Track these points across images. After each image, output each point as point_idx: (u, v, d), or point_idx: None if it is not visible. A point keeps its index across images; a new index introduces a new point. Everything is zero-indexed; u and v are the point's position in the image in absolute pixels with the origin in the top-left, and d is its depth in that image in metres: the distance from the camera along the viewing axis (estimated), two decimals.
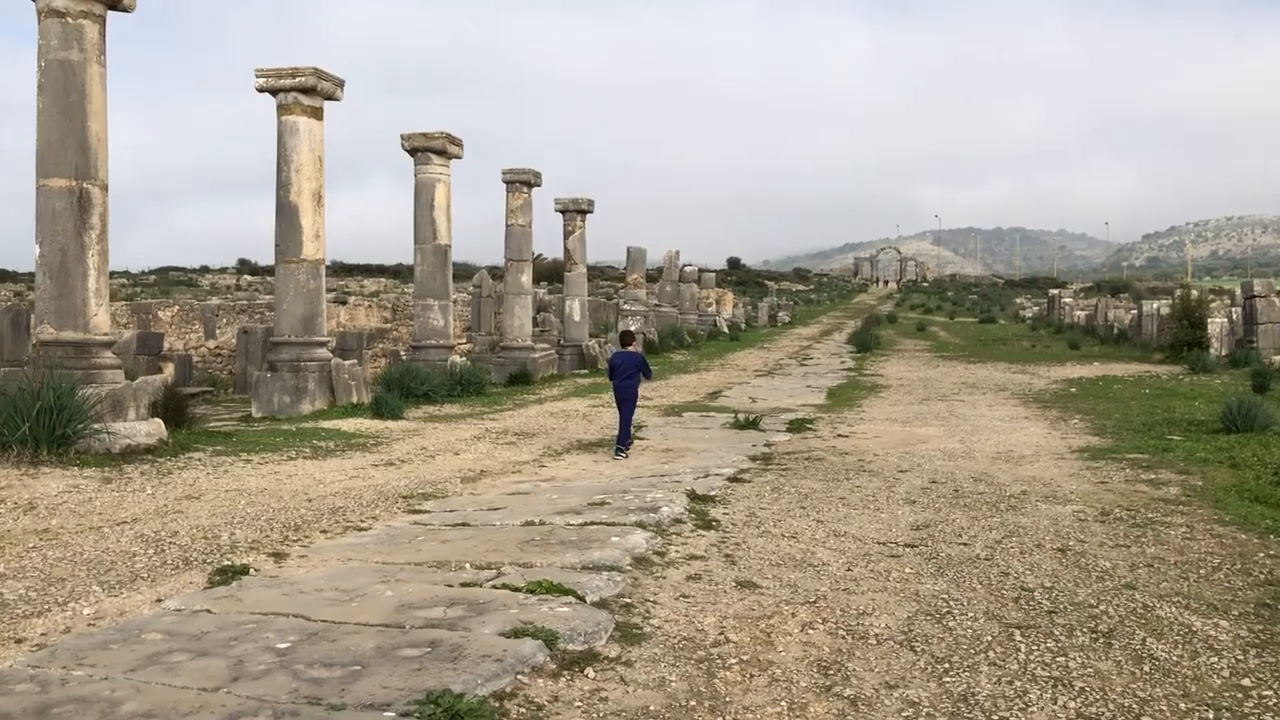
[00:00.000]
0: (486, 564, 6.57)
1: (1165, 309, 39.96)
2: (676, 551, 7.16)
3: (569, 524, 7.79)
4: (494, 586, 5.93)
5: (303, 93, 17.99)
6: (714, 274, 59.81)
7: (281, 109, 18.11)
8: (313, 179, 18.19)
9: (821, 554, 7.27)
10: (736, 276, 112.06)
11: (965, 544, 7.67)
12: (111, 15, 13.64)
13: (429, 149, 22.95)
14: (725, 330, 51.07)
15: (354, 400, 18.08)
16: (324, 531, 7.84)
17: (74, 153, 13.06)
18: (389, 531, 7.80)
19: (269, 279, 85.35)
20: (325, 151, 18.51)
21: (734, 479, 10.55)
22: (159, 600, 5.84)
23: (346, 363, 18.75)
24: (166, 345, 27.36)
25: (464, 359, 23.46)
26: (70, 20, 13.00)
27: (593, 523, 7.79)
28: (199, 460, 11.58)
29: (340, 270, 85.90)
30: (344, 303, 49.24)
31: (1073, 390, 23.55)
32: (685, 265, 52.47)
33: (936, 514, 8.85)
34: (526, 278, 28.35)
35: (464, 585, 5.95)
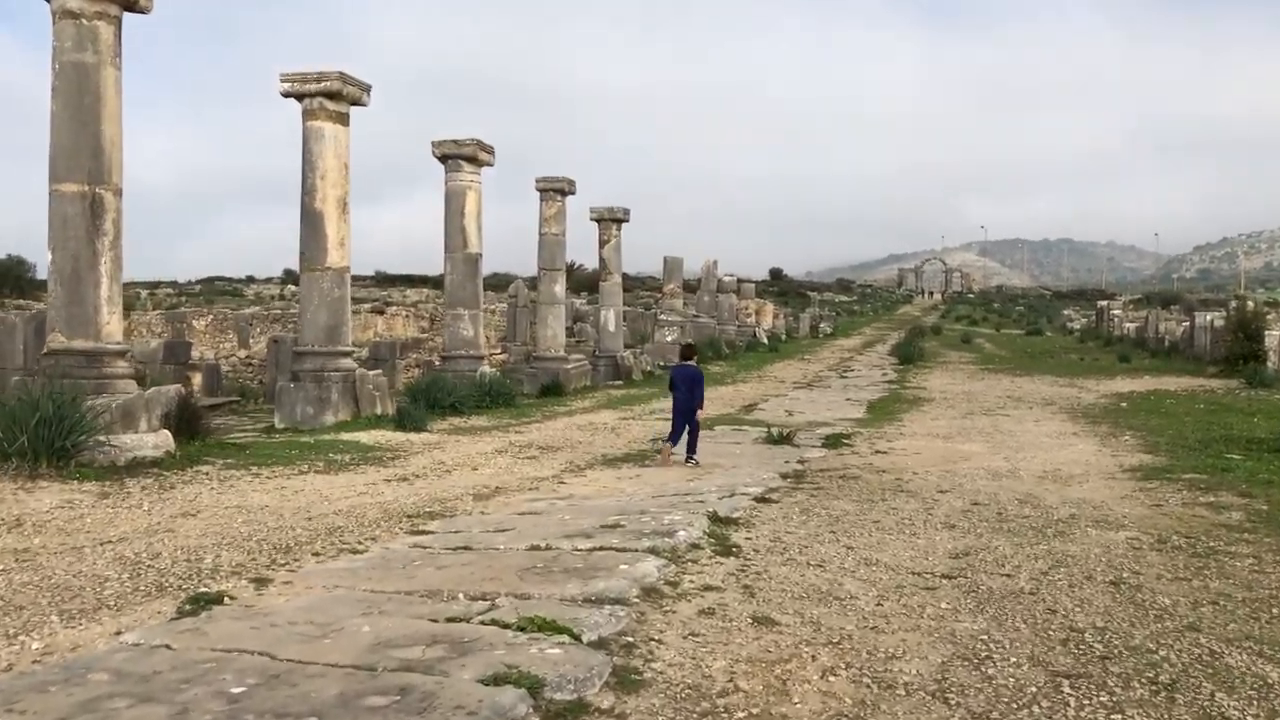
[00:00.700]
0: (480, 594, 6.03)
1: (1219, 321, 38.72)
2: (690, 581, 6.58)
3: (577, 549, 7.23)
4: (482, 622, 5.38)
5: (328, 97, 17.65)
6: (754, 284, 59.19)
7: (307, 114, 17.78)
8: (338, 186, 17.83)
9: (850, 585, 6.66)
10: (778, 287, 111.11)
11: (1008, 575, 7.01)
12: (130, 18, 13.36)
13: (459, 156, 22.56)
14: (764, 341, 50.35)
15: (378, 411, 17.66)
16: (316, 554, 7.35)
17: (87, 157, 12.75)
18: (385, 555, 7.29)
19: None
20: (351, 158, 18.15)
21: (761, 499, 9.95)
22: (118, 633, 5.36)
23: (371, 373, 18.35)
24: (197, 354, 27.20)
25: (494, 370, 23.03)
26: (85, 22, 12.71)
27: (603, 548, 7.23)
28: (206, 474, 11.17)
29: (384, 280, 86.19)
30: (382, 312, 49.12)
31: (1123, 405, 22.66)
32: (724, 275, 51.87)
33: (977, 540, 8.19)
34: (560, 287, 27.90)
35: (450, 620, 5.41)
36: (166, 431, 12.07)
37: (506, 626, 5.24)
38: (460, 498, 10.04)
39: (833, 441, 15.77)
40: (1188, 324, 44.23)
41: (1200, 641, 5.56)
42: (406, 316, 48.06)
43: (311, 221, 17.78)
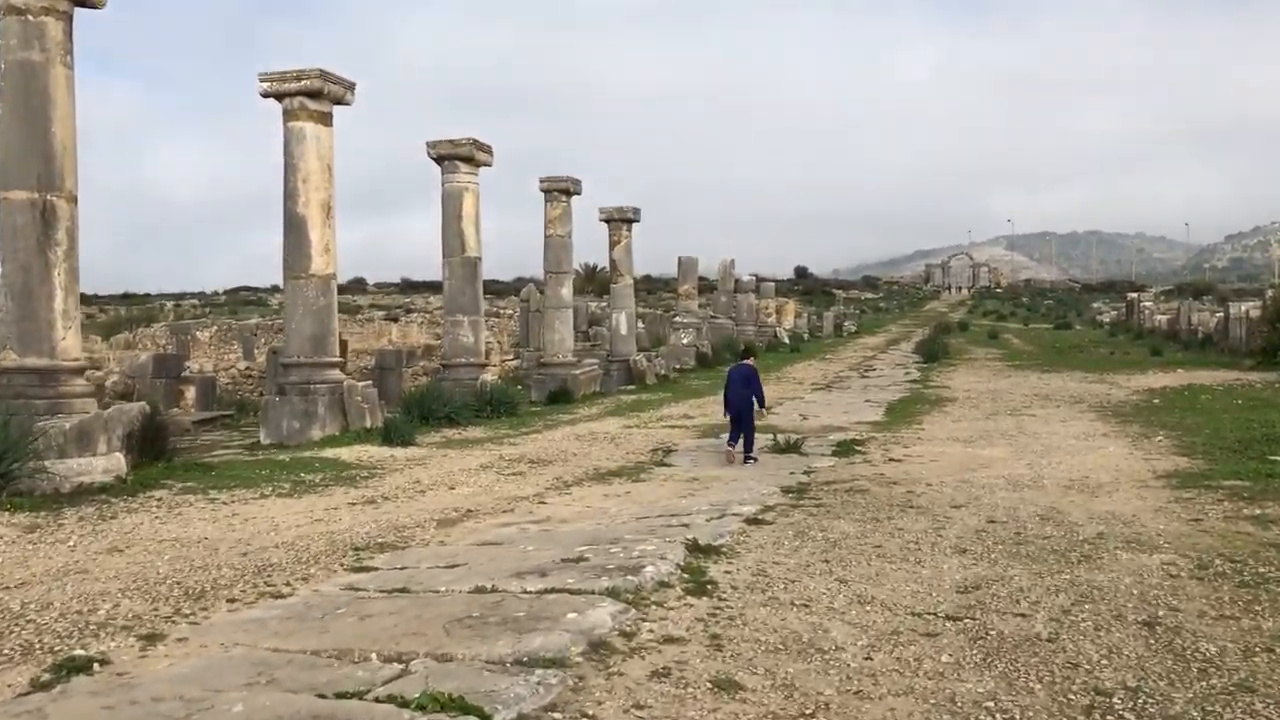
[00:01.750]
0: (396, 654, 5.14)
1: (1255, 311, 37.33)
2: (649, 632, 5.65)
3: (526, 591, 6.31)
4: (379, 698, 4.47)
5: (309, 96, 16.85)
6: (773, 283, 58.08)
7: (287, 114, 16.98)
8: (321, 189, 17.03)
9: (837, 632, 5.71)
10: (803, 286, 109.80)
11: (1023, 615, 6.04)
12: (83, 13, 12.59)
13: (456, 156, 21.73)
14: (785, 341, 49.28)
15: (368, 424, 16.82)
16: (232, 600, 6.47)
17: (37, 162, 11.98)
18: (309, 601, 6.41)
19: (339, 297, 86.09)
20: (334, 159, 17.34)
21: (754, 519, 8.99)
22: None
23: (361, 384, 17.53)
24: (197, 366, 26.52)
25: (497, 378, 22.16)
26: (31, 18, 11.94)
27: (555, 590, 6.31)
28: (157, 500, 10.34)
29: (408, 287, 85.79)
30: (396, 320, 48.53)
31: (1155, 402, 21.50)
32: (743, 275, 50.84)
33: (991, 568, 7.21)
34: (567, 290, 27.03)
35: (341, 696, 4.51)
36: (119, 454, 11.26)
37: (405, 705, 4.33)
38: (423, 524, 9.15)
39: (844, 449, 14.79)
40: (1221, 315, 42.79)
41: (1256, 708, 4.57)
42: (421, 324, 47.41)
43: (294, 227, 16.98)
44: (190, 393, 21.91)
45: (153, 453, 12.56)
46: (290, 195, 16.99)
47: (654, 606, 6.10)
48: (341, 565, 7.47)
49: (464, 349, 21.90)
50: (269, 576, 7.12)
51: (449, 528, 8.99)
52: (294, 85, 16.79)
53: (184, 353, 31.93)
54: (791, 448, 14.56)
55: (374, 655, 5.14)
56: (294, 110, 16.92)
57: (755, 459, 13.66)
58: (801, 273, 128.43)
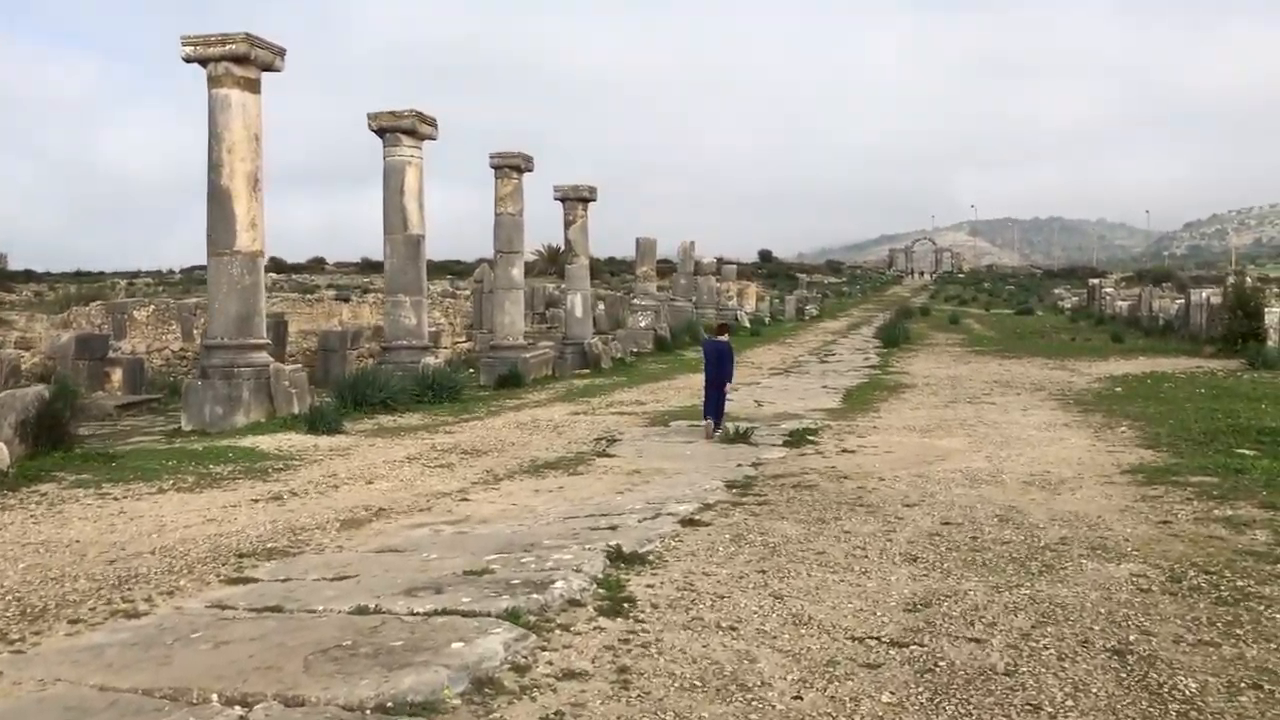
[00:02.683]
0: (240, 696, 4.33)
1: (1215, 298, 37.10)
2: (548, 664, 4.87)
3: (413, 612, 5.51)
4: None
5: (235, 62, 15.82)
6: (735, 265, 57.41)
7: (212, 81, 15.96)
8: (247, 160, 16.04)
9: (765, 662, 4.96)
10: (767, 269, 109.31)
11: (978, 640, 5.32)
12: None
13: (397, 129, 20.74)
14: (746, 324, 48.60)
15: (295, 410, 15.90)
16: (75, 621, 5.63)
17: None
18: (165, 621, 5.58)
19: (295, 276, 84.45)
20: (264, 128, 16.36)
21: (690, 520, 8.24)
22: None
23: (289, 368, 16.59)
24: (129, 347, 25.39)
25: (446, 361, 21.26)
26: None
27: (446, 611, 5.51)
28: (41, 496, 9.44)
29: (367, 267, 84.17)
30: (348, 300, 47.34)
31: (1118, 390, 21.00)
32: (705, 257, 50.10)
33: (944, 580, 6.50)
34: (518, 271, 26.13)
35: None
36: (2, 445, 10.31)
37: None
38: (326, 526, 8.31)
39: (796, 439, 14.09)
40: (1182, 302, 42.60)
41: None
42: (374, 304, 46.26)
43: (219, 200, 15.99)
44: (117, 375, 20.84)
45: (50, 441, 11.63)
46: (214, 167, 15.98)
47: (559, 631, 5.32)
48: (218, 576, 6.63)
49: (406, 331, 20.98)
50: (130, 590, 6.27)
51: (353, 530, 8.16)
52: (219, 49, 15.77)
53: (120, 332, 30.69)
54: (741, 437, 13.84)
55: (215, 696, 4.34)
56: (219, 76, 15.89)
57: (725, 429, 14.38)
58: (765, 256, 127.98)
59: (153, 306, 30.80)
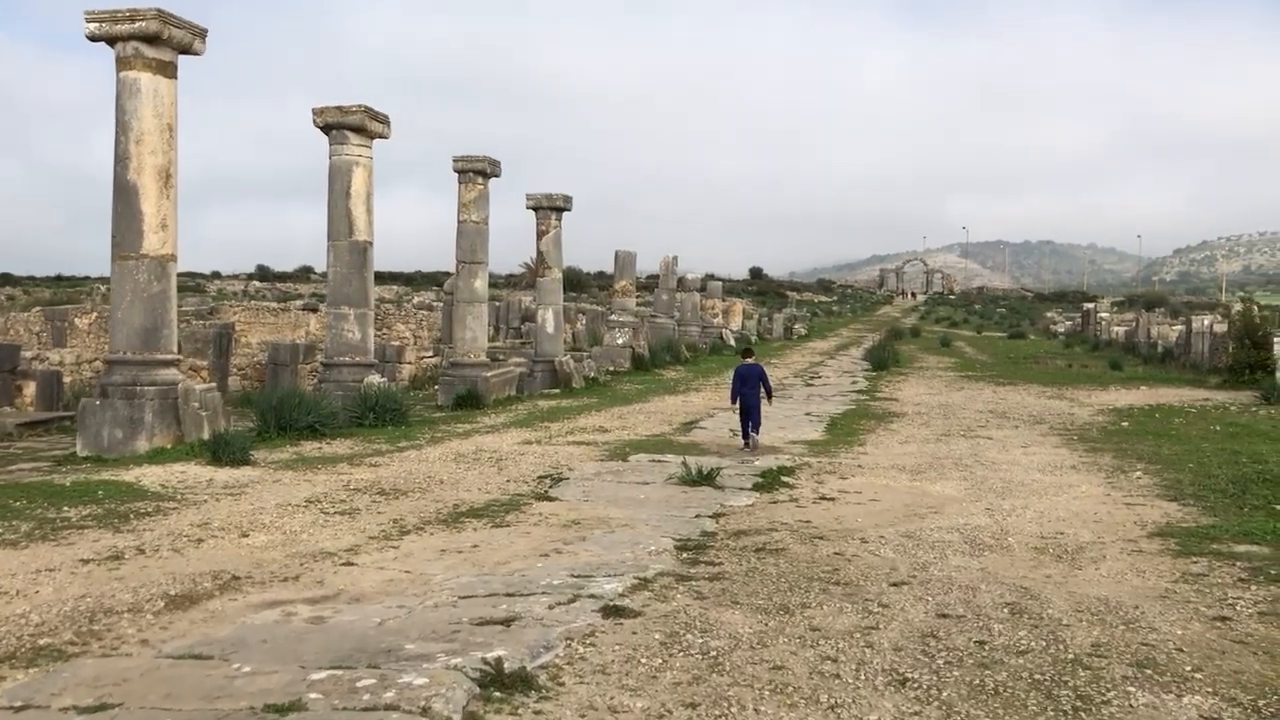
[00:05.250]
0: None
1: (1219, 326, 35.48)
2: None
3: None
4: None
5: (145, 41, 14.00)
6: (721, 283, 55.72)
7: (120, 62, 14.12)
8: (158, 153, 14.20)
9: None
10: (757, 287, 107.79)
11: None
12: None
13: (345, 126, 18.94)
14: (731, 344, 46.84)
15: (205, 435, 14.02)
16: None
17: None
18: None
19: (279, 285, 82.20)
20: (178, 118, 14.53)
21: (614, 609, 6.41)
22: None
23: (199, 387, 14.71)
24: (58, 358, 23.45)
25: (382, 380, 19.40)
26: None
27: None
28: None
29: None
30: (315, 310, 45.40)
31: (1124, 425, 19.28)
32: (688, 272, 48.36)
33: None
34: (481, 282, 24.28)
35: None
36: None
37: None
38: (146, 605, 6.44)
39: (769, 480, 12.32)
40: (1183, 328, 41.01)
41: None
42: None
43: (124, 197, 14.14)
44: (30, 389, 18.96)
45: None
46: (120, 159, 14.14)
47: None
48: None
49: (349, 346, 19.13)
50: None
51: (178, 613, 6.30)
52: (126, 27, 13.94)
53: (60, 340, 28.79)
54: (705, 479, 12.01)
55: None
56: (127, 57, 14.07)
57: (756, 443, 15.47)
58: (756, 273, 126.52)
59: (95, 314, 28.87)
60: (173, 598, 6.60)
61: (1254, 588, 7.24)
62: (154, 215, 14.19)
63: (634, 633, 5.90)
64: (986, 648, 5.80)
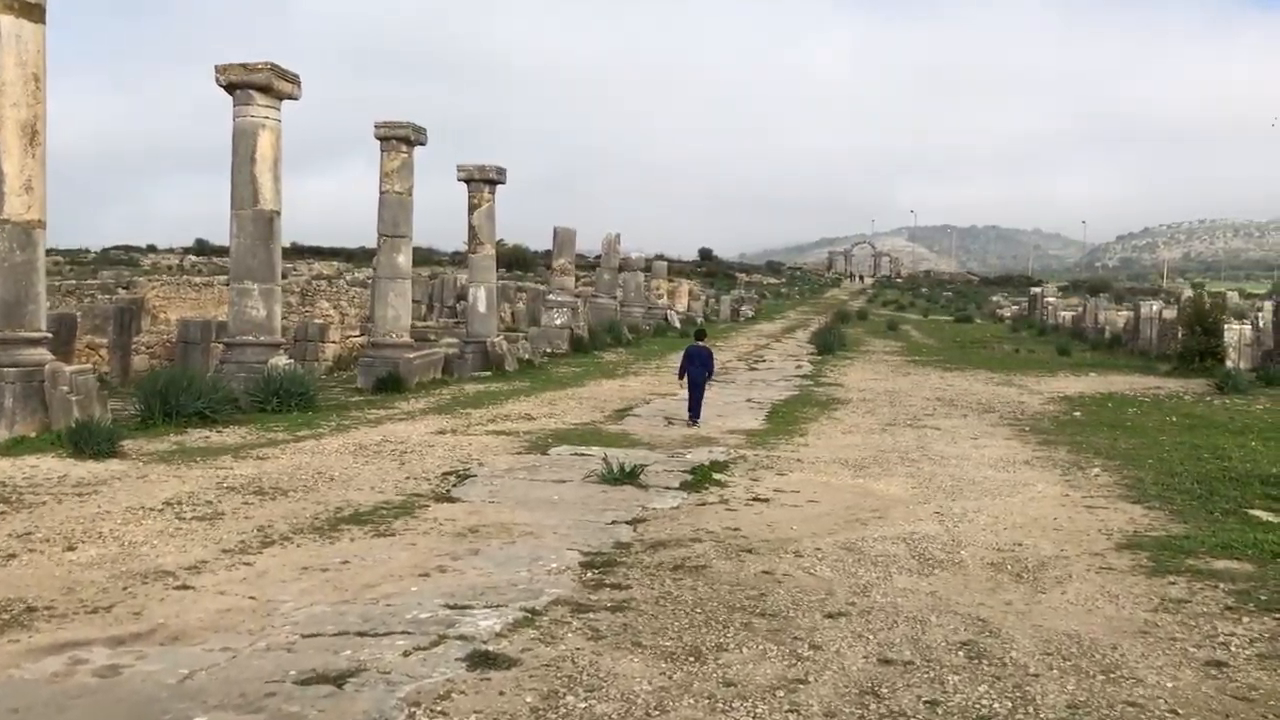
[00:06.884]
0: None
1: (1168, 312, 35.01)
2: None
3: None
4: None
5: None
6: (666, 263, 54.57)
7: None
8: (21, 105, 12.68)
9: None
10: (707, 268, 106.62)
11: None
12: None
13: (250, 85, 17.40)
14: (676, 325, 45.72)
15: (74, 421, 12.55)
16: None
17: None
18: None
19: (215, 259, 79.53)
20: (46, 67, 13.00)
21: (483, 657, 5.18)
22: None
23: (69, 369, 13.22)
24: None
25: (290, 361, 17.97)
26: None
27: None
28: None
29: (293, 253, 79.66)
30: None
31: (1077, 414, 18.42)
32: (633, 251, 47.13)
33: None
34: (404, 258, 22.85)
35: None
36: None
37: None
38: None
39: (700, 478, 11.18)
40: (1131, 315, 40.56)
41: None
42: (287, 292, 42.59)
43: None
44: None
45: None
46: None
47: None
48: None
49: (253, 324, 17.65)
50: None
51: None
52: None
53: None
54: (628, 477, 10.80)
55: None
56: None
57: (699, 421, 16.12)
58: (705, 255, 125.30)
59: None
60: None
61: (1245, 620, 6.19)
62: (17, 176, 12.68)
63: (501, 693, 4.68)
64: (940, 711, 4.66)
